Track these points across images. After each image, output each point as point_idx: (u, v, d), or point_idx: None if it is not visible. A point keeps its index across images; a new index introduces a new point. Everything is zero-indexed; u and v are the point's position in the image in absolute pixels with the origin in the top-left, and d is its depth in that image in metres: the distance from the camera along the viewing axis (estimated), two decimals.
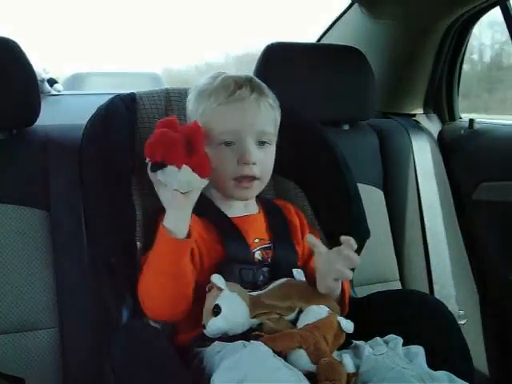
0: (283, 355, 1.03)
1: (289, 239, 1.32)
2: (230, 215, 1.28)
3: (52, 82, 2.18)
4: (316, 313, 1.14)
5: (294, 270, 1.22)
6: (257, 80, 1.30)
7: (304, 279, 1.22)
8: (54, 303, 1.39)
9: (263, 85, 1.30)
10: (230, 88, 1.24)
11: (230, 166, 1.23)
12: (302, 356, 1.04)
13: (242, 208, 1.32)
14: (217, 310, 1.09)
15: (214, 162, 1.19)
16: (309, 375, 0.99)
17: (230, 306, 1.10)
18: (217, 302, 1.09)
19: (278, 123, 1.33)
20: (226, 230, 1.25)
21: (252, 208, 1.34)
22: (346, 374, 1.03)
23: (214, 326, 1.09)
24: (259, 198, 1.38)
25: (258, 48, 1.81)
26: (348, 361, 1.07)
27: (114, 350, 1.03)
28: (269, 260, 1.26)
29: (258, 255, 1.26)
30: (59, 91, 2.20)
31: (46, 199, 1.42)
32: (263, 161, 1.26)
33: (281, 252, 1.28)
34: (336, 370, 1.02)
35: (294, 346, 1.05)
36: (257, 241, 1.27)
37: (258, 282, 1.21)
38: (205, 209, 1.25)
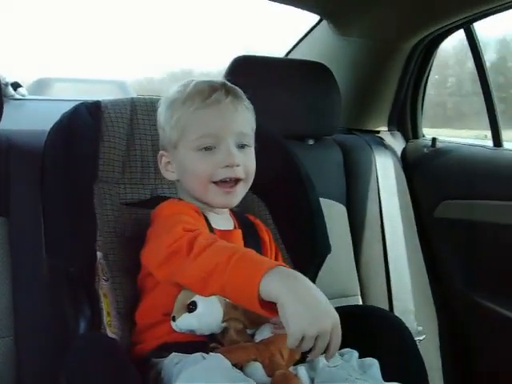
0: (239, 367, 1.03)
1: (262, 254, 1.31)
2: (216, 227, 1.25)
3: (16, 85, 2.14)
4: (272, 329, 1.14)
5: None
6: (230, 84, 1.28)
7: None
8: (10, 311, 1.36)
9: (237, 88, 1.28)
10: (205, 92, 1.22)
11: (211, 171, 1.20)
12: (257, 368, 1.04)
13: (223, 222, 1.29)
14: (192, 307, 1.08)
15: (193, 167, 1.20)
16: None
17: (207, 306, 1.08)
18: (194, 299, 1.08)
19: (255, 126, 1.31)
20: None
21: (229, 223, 1.32)
22: None
23: (185, 321, 1.08)
24: (233, 212, 1.37)
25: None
26: (303, 373, 1.08)
27: (69, 362, 1.02)
28: None
29: None
30: (23, 95, 2.16)
31: (5, 205, 1.39)
32: (246, 162, 1.24)
33: None
34: (291, 381, 1.02)
35: (250, 358, 1.05)
36: None
37: None
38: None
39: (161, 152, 1.29)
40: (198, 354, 1.00)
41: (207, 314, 1.09)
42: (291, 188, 1.45)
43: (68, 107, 1.37)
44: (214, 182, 1.21)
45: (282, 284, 0.91)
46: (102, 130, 1.36)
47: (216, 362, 0.98)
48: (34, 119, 1.74)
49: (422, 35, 2.02)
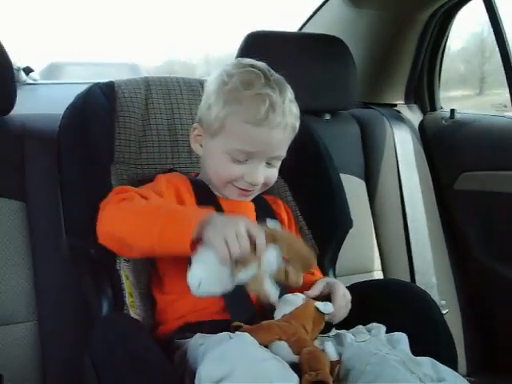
0: (264, 346, 1.02)
1: None
2: (217, 195, 1.27)
3: (28, 70, 2.12)
4: (292, 301, 1.13)
5: (268, 219, 1.18)
6: (287, 95, 1.23)
7: None
8: (33, 296, 1.37)
9: (292, 98, 1.24)
10: (263, 107, 1.16)
11: (234, 178, 1.22)
12: (283, 348, 1.03)
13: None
14: (189, 261, 1.04)
15: (219, 167, 1.21)
16: (293, 366, 0.98)
17: (202, 251, 1.04)
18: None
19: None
20: (207, 206, 1.21)
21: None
22: (329, 362, 1.02)
23: (193, 275, 1.03)
24: None
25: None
26: (331, 349, 1.06)
27: (93, 343, 1.01)
28: None
29: None
30: (35, 80, 2.15)
31: (22, 190, 1.39)
32: (268, 179, 1.25)
33: None
34: (319, 359, 1.01)
35: (274, 338, 1.04)
36: None
37: None
38: (193, 184, 1.25)
39: (196, 124, 1.28)
40: (225, 334, 0.99)
41: (206, 258, 1.03)
42: (311, 163, 1.43)
43: (81, 90, 1.36)
44: (234, 185, 1.23)
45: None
46: (116, 110, 1.35)
47: (243, 340, 0.96)
48: (47, 103, 1.74)
49: (437, 5, 1.98)
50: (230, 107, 1.18)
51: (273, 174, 1.26)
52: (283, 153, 1.24)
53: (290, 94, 1.24)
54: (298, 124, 1.26)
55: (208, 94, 1.24)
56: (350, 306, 1.20)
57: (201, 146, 1.27)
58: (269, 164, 1.23)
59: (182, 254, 1.05)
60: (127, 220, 1.11)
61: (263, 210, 1.32)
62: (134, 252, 1.13)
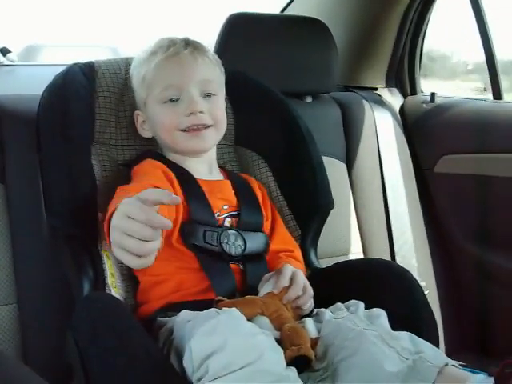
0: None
1: (256, 206, 1.32)
2: (195, 177, 1.27)
3: (5, 51, 2.08)
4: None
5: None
6: (194, 39, 1.32)
7: None
8: (13, 279, 1.35)
9: (200, 43, 1.32)
10: (164, 46, 1.27)
11: (176, 120, 1.24)
12: (265, 322, 1.04)
13: (207, 173, 1.31)
14: None
15: (161, 119, 1.25)
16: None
17: None
18: None
19: (223, 80, 1.34)
20: (190, 190, 1.23)
21: (217, 175, 1.34)
22: (309, 338, 1.03)
23: None
24: (222, 168, 1.38)
25: None
26: (311, 326, 1.07)
27: (75, 322, 1.01)
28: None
29: (227, 222, 1.24)
30: (13, 61, 2.11)
31: (0, 171, 1.37)
32: (211, 109, 1.27)
33: (247, 217, 1.27)
34: (300, 334, 1.02)
35: (257, 312, 1.05)
36: (226, 207, 1.26)
37: (222, 243, 1.19)
38: (171, 168, 1.24)
39: (136, 111, 1.33)
40: (212, 310, 0.99)
41: None
42: (292, 143, 1.43)
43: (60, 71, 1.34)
44: (182, 130, 1.24)
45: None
46: (96, 90, 1.34)
47: (233, 315, 0.97)
48: (24, 85, 1.71)
49: None
50: (142, 68, 1.28)
51: (215, 106, 1.28)
52: (210, 77, 1.29)
53: (201, 43, 1.32)
54: (218, 61, 1.34)
55: (132, 83, 1.33)
56: (311, 295, 1.18)
57: (148, 130, 1.32)
58: (207, 96, 1.27)
59: None
60: None
61: (243, 188, 1.33)
62: None
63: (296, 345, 0.99)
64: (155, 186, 1.11)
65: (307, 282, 1.18)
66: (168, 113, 1.25)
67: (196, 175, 1.27)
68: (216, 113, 1.28)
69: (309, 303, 1.17)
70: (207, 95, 1.27)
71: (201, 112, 1.24)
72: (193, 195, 1.23)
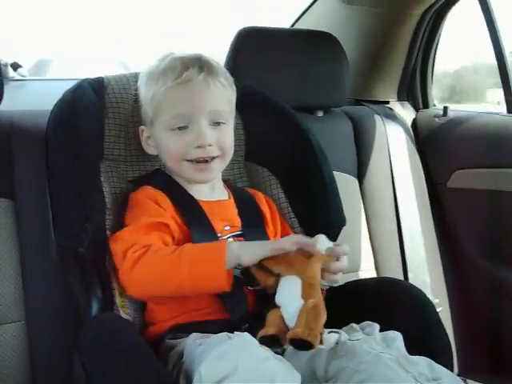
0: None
1: (260, 225, 1.30)
2: (196, 198, 1.25)
3: (16, 66, 2.09)
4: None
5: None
6: (206, 58, 1.27)
7: None
8: (21, 296, 1.35)
9: (213, 63, 1.27)
10: (177, 69, 1.22)
11: (184, 150, 1.22)
12: (295, 285, 1.03)
13: (209, 192, 1.29)
14: None
15: (167, 146, 1.22)
16: None
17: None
18: None
19: (234, 102, 1.31)
20: (191, 213, 1.22)
21: (220, 193, 1.32)
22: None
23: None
24: (228, 185, 1.36)
25: None
26: (332, 339, 1.05)
27: (82, 342, 1.00)
28: None
29: None
30: (24, 76, 2.12)
31: (10, 187, 1.37)
32: (219, 138, 1.24)
33: (250, 236, 1.24)
34: (318, 316, 1.00)
35: (293, 273, 1.04)
36: (227, 228, 1.25)
37: None
38: (172, 190, 1.24)
39: (141, 127, 1.30)
40: (224, 334, 0.98)
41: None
42: (303, 159, 1.42)
43: (70, 86, 1.34)
44: (188, 160, 1.22)
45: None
46: (106, 106, 1.33)
47: (244, 340, 0.95)
48: (35, 99, 1.71)
49: (430, 2, 1.96)
50: (151, 88, 1.24)
51: (224, 135, 1.26)
52: (220, 108, 1.25)
53: (213, 62, 1.27)
54: (230, 80, 1.30)
55: (139, 97, 1.30)
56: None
57: (153, 146, 1.29)
58: (216, 124, 1.24)
59: (218, 291, 1.09)
60: (158, 278, 1.10)
61: (246, 206, 1.31)
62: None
63: (309, 327, 0.97)
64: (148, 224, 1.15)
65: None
66: (175, 141, 1.22)
67: (197, 196, 1.26)
68: (224, 142, 1.25)
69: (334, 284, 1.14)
70: (217, 124, 1.24)
71: (209, 145, 1.22)
72: (194, 218, 1.22)
